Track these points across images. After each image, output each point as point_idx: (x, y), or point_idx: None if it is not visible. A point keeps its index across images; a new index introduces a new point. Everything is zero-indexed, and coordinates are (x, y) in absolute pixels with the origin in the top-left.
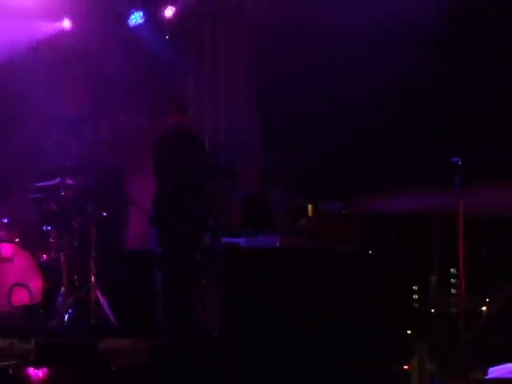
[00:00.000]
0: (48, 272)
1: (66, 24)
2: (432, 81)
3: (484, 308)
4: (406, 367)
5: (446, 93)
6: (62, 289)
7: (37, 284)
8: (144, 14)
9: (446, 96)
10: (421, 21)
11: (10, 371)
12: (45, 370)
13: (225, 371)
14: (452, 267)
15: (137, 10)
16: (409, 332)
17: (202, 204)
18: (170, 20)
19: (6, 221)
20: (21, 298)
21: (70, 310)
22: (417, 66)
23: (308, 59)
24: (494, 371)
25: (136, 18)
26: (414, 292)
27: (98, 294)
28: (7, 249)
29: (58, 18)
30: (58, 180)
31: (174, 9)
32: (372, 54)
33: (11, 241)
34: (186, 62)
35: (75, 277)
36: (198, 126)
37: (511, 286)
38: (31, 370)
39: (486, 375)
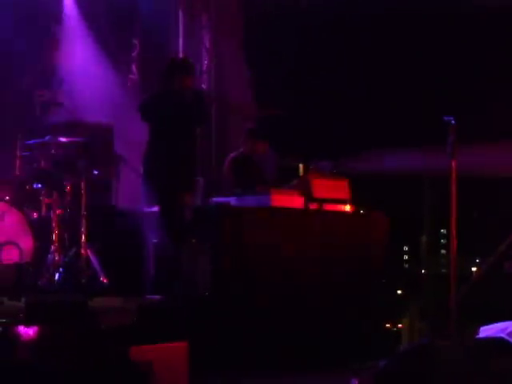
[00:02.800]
0: (38, 230)
1: None
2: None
3: (474, 268)
4: (397, 326)
5: (439, 51)
6: (53, 247)
7: (27, 242)
8: None
9: (438, 53)
10: None
11: (0, 329)
12: (35, 328)
13: (215, 331)
14: (442, 228)
15: None
16: (399, 292)
17: (193, 163)
18: None
19: None
20: (11, 256)
21: (60, 269)
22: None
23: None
24: (486, 330)
25: None
26: (405, 252)
27: (89, 252)
28: None
29: None
30: (48, 138)
31: None
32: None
33: (1, 199)
34: (177, 18)
35: (66, 235)
36: None
37: (501, 247)
38: (21, 329)
39: (477, 334)
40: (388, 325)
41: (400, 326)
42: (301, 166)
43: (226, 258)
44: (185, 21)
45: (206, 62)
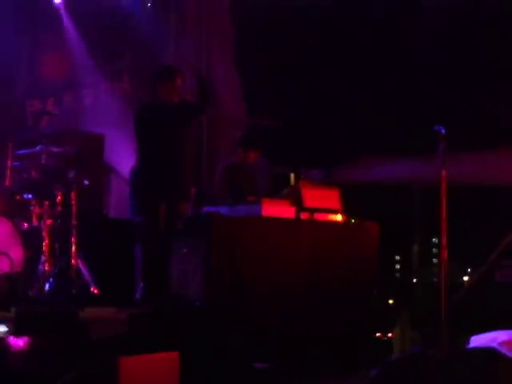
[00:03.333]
0: (29, 240)
1: None
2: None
3: (466, 278)
4: (388, 335)
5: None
6: (43, 257)
7: (17, 252)
8: None
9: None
10: None
11: None
12: (25, 338)
13: (206, 341)
14: (434, 237)
15: None
16: (391, 301)
17: (185, 173)
18: None
19: None
20: (1, 266)
21: (50, 279)
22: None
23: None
24: (476, 340)
25: None
26: (396, 262)
27: (79, 262)
28: None
29: None
30: (38, 147)
31: None
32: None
33: None
34: (169, 28)
35: (56, 245)
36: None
37: (492, 256)
38: (11, 339)
39: (468, 344)
40: (379, 334)
41: (391, 335)
42: (292, 174)
43: (216, 267)
44: (176, 30)
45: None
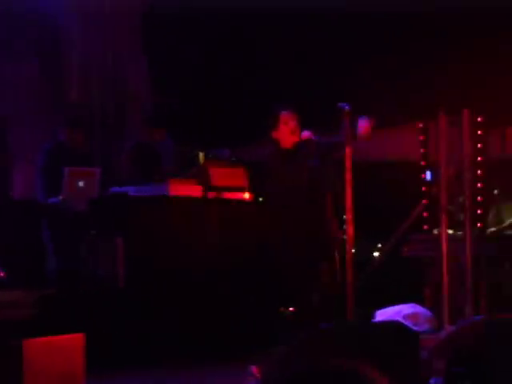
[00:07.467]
0: None
1: None
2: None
3: (376, 254)
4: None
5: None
6: None
7: None
8: None
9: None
10: None
11: None
12: None
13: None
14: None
15: None
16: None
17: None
18: None
19: None
20: None
21: None
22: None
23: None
24: (381, 314)
25: None
26: None
27: None
28: None
29: None
30: None
31: None
32: None
33: None
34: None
35: None
36: (86, 77)
37: (399, 231)
38: None
39: (374, 318)
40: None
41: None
42: (201, 154)
43: (126, 248)
44: (80, 8)
45: (102, 51)
